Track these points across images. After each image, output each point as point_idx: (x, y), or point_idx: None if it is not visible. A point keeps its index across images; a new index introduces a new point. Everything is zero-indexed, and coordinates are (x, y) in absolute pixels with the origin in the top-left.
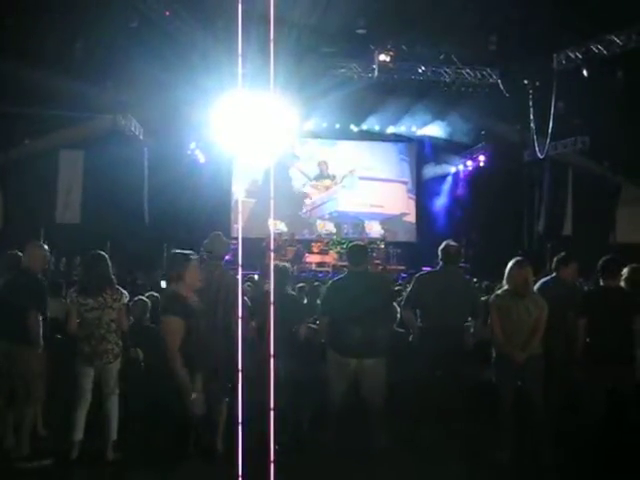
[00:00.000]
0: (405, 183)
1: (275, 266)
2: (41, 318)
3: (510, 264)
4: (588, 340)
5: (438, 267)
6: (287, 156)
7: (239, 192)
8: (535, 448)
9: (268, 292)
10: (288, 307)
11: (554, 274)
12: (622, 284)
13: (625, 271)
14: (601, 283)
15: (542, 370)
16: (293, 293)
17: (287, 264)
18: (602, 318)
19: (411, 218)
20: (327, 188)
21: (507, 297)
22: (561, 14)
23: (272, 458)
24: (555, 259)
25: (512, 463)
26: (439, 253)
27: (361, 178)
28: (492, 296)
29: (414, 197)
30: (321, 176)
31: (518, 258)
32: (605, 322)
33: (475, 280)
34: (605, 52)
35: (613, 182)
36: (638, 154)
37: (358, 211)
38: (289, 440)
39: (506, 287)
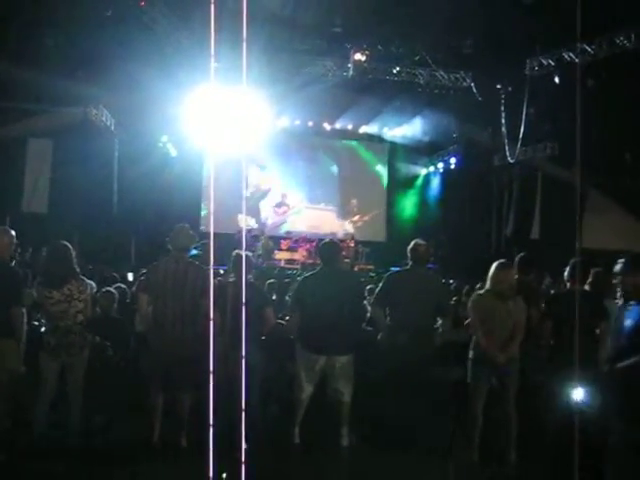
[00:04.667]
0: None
1: (236, 255)
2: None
3: (494, 266)
4: (553, 343)
5: (408, 266)
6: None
7: (209, 187)
8: (503, 449)
9: (228, 283)
10: (250, 295)
11: (517, 276)
12: (587, 288)
13: (590, 275)
14: (567, 286)
15: (517, 372)
16: (253, 282)
17: (250, 254)
18: (567, 321)
19: (381, 218)
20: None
21: (489, 298)
22: (534, 21)
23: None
24: (516, 261)
25: (480, 462)
26: (408, 253)
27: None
28: (472, 297)
29: (385, 197)
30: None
31: (502, 260)
32: (570, 326)
33: (450, 282)
34: (577, 60)
35: (581, 188)
36: (606, 161)
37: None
38: (256, 437)
39: (487, 288)
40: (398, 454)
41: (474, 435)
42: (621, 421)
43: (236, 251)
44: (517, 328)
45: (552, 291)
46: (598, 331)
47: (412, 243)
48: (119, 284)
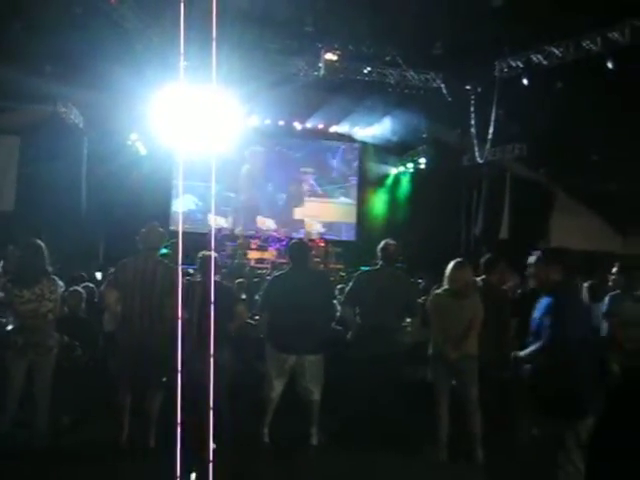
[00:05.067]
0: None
1: (203, 256)
2: None
3: (450, 265)
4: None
5: (377, 266)
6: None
7: (180, 186)
8: (469, 446)
9: (196, 282)
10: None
11: (483, 276)
12: None
13: None
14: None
15: (475, 370)
16: (223, 282)
17: (215, 254)
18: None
19: (351, 217)
20: None
21: (446, 297)
22: (503, 24)
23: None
24: (482, 262)
25: (449, 461)
26: (378, 252)
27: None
28: (430, 296)
29: (355, 197)
30: None
31: (458, 259)
32: None
33: (419, 281)
34: (545, 62)
35: (548, 189)
36: (574, 162)
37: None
38: (225, 436)
39: (446, 287)
40: (368, 453)
41: (441, 434)
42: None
43: (202, 252)
44: (473, 326)
45: (519, 290)
46: None
47: (382, 243)
48: (87, 283)
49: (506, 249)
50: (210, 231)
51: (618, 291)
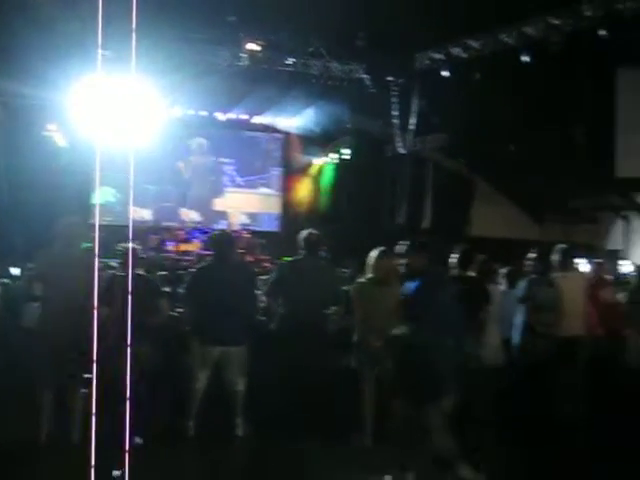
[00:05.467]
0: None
1: (122, 248)
2: None
3: (373, 254)
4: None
5: (300, 256)
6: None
7: (97, 178)
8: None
9: (116, 276)
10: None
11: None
12: (472, 274)
13: (476, 262)
14: (456, 273)
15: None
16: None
17: (136, 245)
18: None
19: (275, 208)
20: None
21: (370, 285)
22: (424, 16)
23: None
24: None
25: (373, 446)
26: (300, 242)
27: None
28: (354, 284)
29: (280, 188)
30: None
31: (381, 248)
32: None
33: (344, 271)
34: (464, 55)
35: (469, 179)
36: (492, 153)
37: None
38: (149, 431)
39: (369, 275)
40: (293, 441)
41: (366, 420)
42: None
43: (122, 244)
44: (396, 314)
45: None
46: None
47: (304, 232)
48: (3, 279)
49: (429, 238)
50: (133, 223)
51: (533, 276)
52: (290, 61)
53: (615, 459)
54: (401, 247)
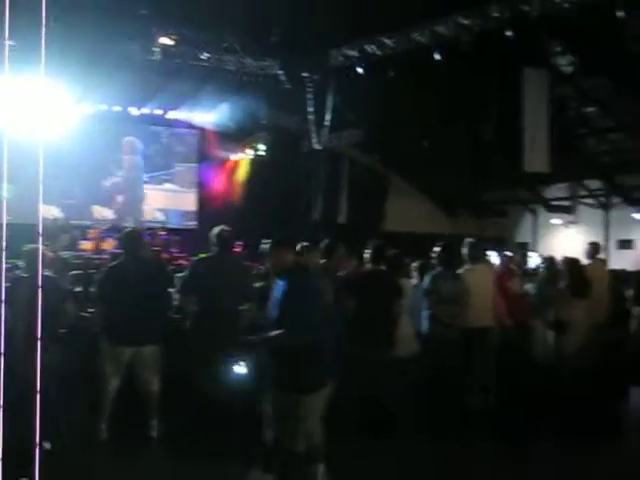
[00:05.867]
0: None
1: (29, 249)
2: None
3: (269, 245)
4: (354, 321)
5: (213, 253)
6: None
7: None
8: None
9: (21, 278)
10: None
11: (324, 261)
12: (384, 268)
13: (388, 257)
14: (369, 267)
15: None
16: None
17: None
18: (367, 300)
19: (192, 205)
20: None
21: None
22: (338, 13)
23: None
24: (321, 247)
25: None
26: (213, 239)
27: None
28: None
29: (195, 184)
30: None
31: (276, 239)
32: (370, 304)
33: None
34: (378, 52)
35: (384, 174)
36: (405, 149)
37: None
38: (61, 433)
39: (268, 267)
40: (210, 441)
41: None
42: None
43: (29, 245)
44: None
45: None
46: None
47: (217, 229)
48: None
49: (344, 233)
50: (43, 222)
51: (439, 270)
52: (204, 56)
53: (520, 444)
54: (264, 246)
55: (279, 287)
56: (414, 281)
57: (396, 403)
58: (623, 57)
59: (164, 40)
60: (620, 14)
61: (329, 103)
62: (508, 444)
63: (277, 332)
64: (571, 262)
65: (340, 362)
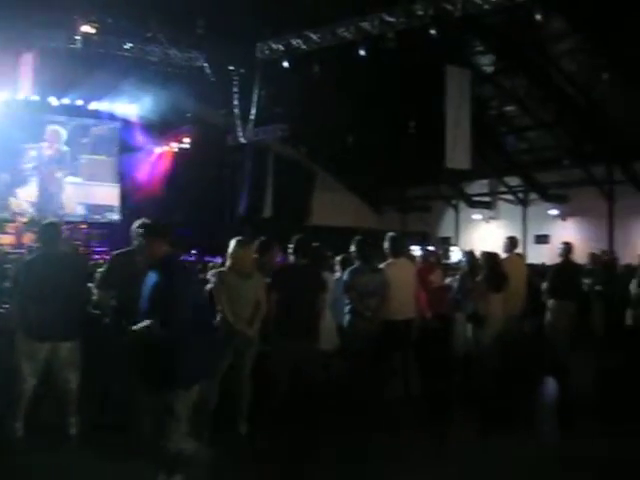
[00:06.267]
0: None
1: None
2: None
3: (234, 244)
4: (279, 315)
5: (133, 247)
6: None
7: None
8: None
9: None
10: None
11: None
12: (307, 262)
13: (311, 251)
14: (293, 261)
15: (257, 346)
16: None
17: None
18: (291, 294)
19: (115, 198)
20: None
21: (233, 276)
22: (265, 6)
23: None
24: (257, 243)
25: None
26: (133, 233)
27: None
28: (216, 275)
29: (118, 177)
30: None
31: (240, 238)
32: (294, 298)
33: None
34: (304, 47)
35: (309, 168)
36: (331, 143)
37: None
38: None
39: (229, 265)
40: (129, 439)
41: (243, 405)
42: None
43: None
44: (260, 304)
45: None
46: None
47: (136, 223)
48: None
49: (270, 227)
50: None
51: (357, 264)
52: (127, 46)
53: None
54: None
55: (150, 278)
56: (337, 275)
57: (320, 395)
58: (541, 58)
59: (86, 28)
60: (538, 16)
61: (255, 97)
62: (429, 432)
63: (145, 324)
64: (488, 256)
65: (216, 357)
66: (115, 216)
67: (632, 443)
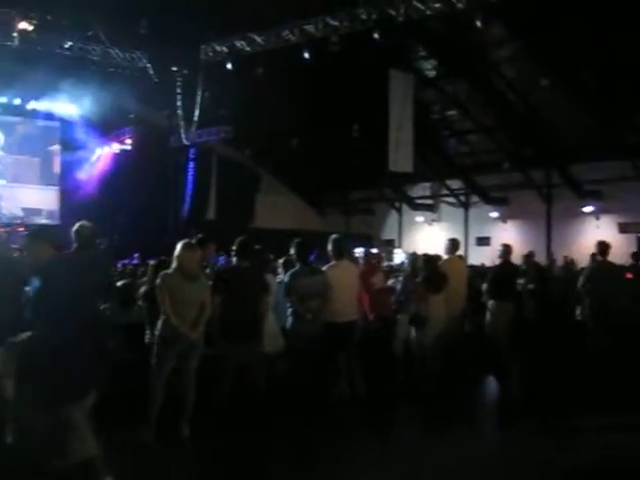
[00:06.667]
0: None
1: None
2: None
3: (180, 246)
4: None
5: (72, 250)
6: None
7: None
8: (179, 422)
9: None
10: None
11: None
12: (250, 264)
13: (253, 253)
14: (235, 263)
15: (201, 348)
16: None
17: None
18: (235, 296)
19: (54, 201)
20: None
21: (178, 278)
22: (209, 8)
23: None
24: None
25: (154, 439)
26: (72, 235)
27: None
28: (161, 276)
29: (57, 178)
30: None
31: (187, 241)
32: (237, 300)
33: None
34: (248, 49)
35: (253, 171)
36: (276, 146)
37: None
38: None
39: (175, 267)
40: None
41: (153, 411)
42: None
43: None
44: (205, 306)
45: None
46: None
47: (77, 225)
48: None
49: (213, 230)
50: None
51: (297, 267)
52: (67, 44)
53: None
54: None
55: (34, 284)
56: (280, 277)
57: (264, 397)
58: (482, 63)
59: (24, 25)
60: (478, 23)
61: (198, 98)
62: (373, 433)
63: (28, 335)
64: (427, 259)
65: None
66: (56, 218)
67: (572, 439)
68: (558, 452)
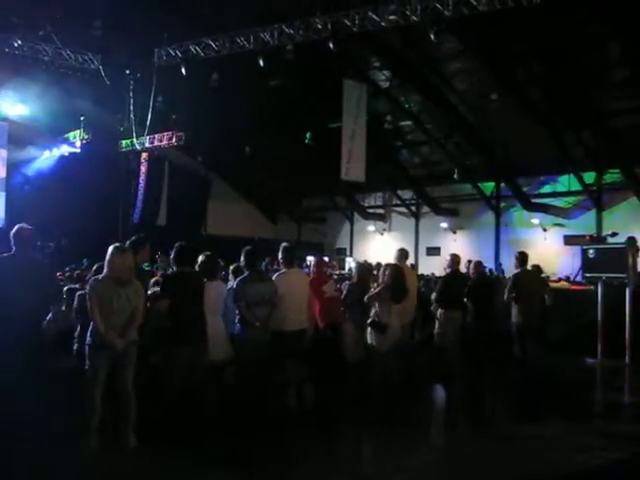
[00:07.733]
0: None
1: None
2: None
3: (110, 250)
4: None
5: (11, 252)
6: None
7: None
8: (123, 430)
9: None
10: None
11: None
12: (197, 269)
13: (200, 258)
14: (176, 268)
15: (135, 354)
16: None
17: None
18: (182, 300)
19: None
20: None
21: (108, 284)
22: (164, 11)
23: None
24: (129, 243)
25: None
26: (11, 238)
27: None
28: (90, 282)
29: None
30: None
31: (117, 244)
32: (184, 303)
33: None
34: (202, 54)
35: (205, 177)
36: (229, 153)
37: None
38: None
39: (106, 273)
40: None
41: (94, 420)
42: None
43: None
44: (136, 313)
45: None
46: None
47: (16, 227)
48: None
49: (164, 235)
50: None
51: (245, 274)
52: (17, 43)
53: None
54: None
55: None
56: (230, 284)
57: (212, 405)
58: (435, 76)
59: None
60: (432, 36)
61: (151, 103)
62: (322, 442)
63: None
64: (394, 268)
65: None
66: (0, 221)
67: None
68: (505, 459)
